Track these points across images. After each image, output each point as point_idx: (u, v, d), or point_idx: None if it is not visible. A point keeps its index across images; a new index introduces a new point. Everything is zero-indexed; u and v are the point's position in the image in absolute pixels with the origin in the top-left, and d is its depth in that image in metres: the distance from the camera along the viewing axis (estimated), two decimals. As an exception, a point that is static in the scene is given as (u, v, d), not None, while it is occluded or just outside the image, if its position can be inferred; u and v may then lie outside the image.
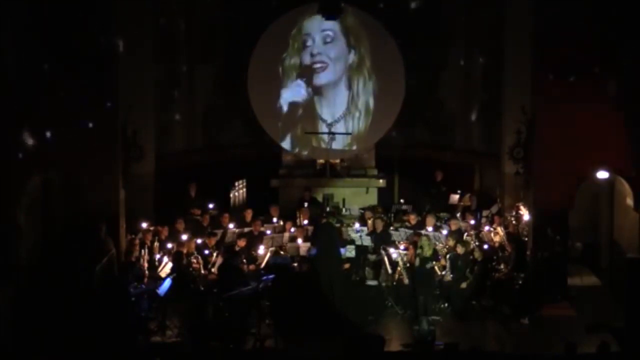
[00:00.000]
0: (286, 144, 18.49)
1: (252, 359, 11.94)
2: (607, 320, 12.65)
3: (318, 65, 18.22)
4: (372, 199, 18.27)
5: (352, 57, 18.31)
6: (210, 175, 17.90)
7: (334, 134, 18.25)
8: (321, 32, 18.14)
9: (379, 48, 18.23)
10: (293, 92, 18.31)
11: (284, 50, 18.23)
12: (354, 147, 18.56)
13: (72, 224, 14.32)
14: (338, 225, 14.94)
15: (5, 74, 12.67)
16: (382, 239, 14.85)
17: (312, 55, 18.18)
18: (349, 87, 18.42)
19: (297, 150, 18.50)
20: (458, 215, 16.53)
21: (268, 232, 15.43)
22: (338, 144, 18.40)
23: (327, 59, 18.24)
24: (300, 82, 18.29)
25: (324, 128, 18.41)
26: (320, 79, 18.32)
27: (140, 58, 16.25)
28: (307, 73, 18.28)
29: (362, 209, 16.84)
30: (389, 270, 14.31)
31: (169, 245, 14.58)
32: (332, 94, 18.43)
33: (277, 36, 18.11)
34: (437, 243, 14.56)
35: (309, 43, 18.17)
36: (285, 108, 18.33)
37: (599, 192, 15.89)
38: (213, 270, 14.18)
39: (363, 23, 18.19)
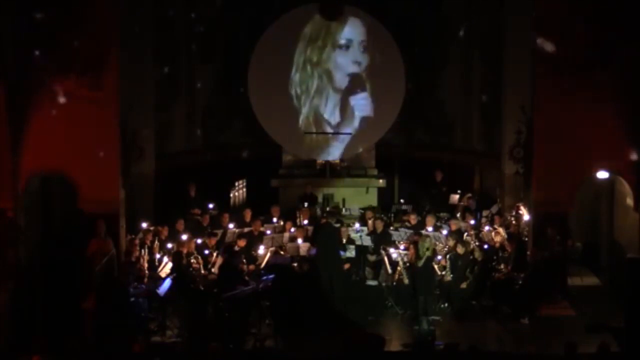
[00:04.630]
0: (287, 145, 18.48)
1: (252, 359, 11.92)
2: (607, 320, 12.63)
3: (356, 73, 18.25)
4: (372, 199, 18.28)
5: (365, 64, 18.32)
6: (210, 175, 17.90)
7: (334, 134, 18.24)
8: (360, 42, 18.12)
9: (381, 49, 18.23)
10: (360, 105, 18.30)
11: (287, 50, 18.20)
12: (360, 150, 18.57)
13: (72, 225, 14.34)
14: (338, 225, 14.94)
15: (4, 73, 12.66)
16: (382, 239, 14.85)
17: (357, 63, 18.17)
18: (359, 91, 18.44)
19: (297, 151, 18.50)
20: (458, 215, 16.53)
21: (268, 232, 15.41)
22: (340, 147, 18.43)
23: (364, 67, 18.28)
24: (364, 94, 18.28)
25: (327, 129, 18.42)
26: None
27: (140, 58, 16.27)
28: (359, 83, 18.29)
29: (362, 209, 16.84)
30: (389, 270, 14.31)
31: (169, 245, 14.56)
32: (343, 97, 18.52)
33: (278, 36, 18.08)
34: (437, 243, 14.56)
35: (352, 48, 18.15)
36: (356, 123, 18.34)
37: (599, 192, 15.88)
38: (213, 270, 14.16)
39: (368, 25, 18.20)
